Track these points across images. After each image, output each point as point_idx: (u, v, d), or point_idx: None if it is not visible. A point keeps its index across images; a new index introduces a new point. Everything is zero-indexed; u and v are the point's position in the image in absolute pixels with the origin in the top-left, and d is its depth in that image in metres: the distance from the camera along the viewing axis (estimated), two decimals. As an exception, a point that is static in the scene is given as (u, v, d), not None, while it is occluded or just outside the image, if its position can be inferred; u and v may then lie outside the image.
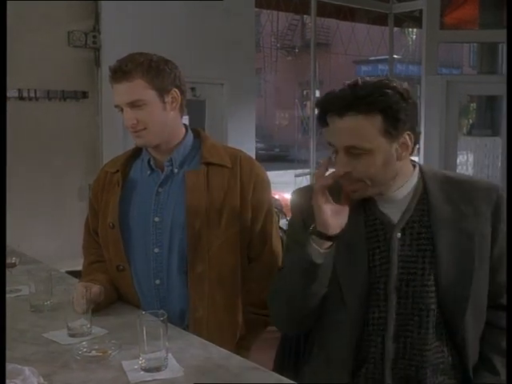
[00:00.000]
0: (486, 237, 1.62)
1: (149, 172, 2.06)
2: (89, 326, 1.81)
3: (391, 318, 1.61)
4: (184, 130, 2.09)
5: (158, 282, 2.01)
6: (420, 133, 1.64)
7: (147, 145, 2.03)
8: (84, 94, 4.42)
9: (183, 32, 4.82)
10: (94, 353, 1.65)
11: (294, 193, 1.86)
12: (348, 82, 1.57)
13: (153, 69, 1.94)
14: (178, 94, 2.00)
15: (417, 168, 1.68)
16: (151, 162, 2.06)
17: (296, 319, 1.73)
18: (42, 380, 1.46)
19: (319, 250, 1.58)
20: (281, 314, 1.76)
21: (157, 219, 2.01)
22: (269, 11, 13.69)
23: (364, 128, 1.52)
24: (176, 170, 2.04)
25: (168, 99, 1.97)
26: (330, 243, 1.59)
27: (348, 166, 1.55)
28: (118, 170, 2.09)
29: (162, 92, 1.95)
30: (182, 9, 4.76)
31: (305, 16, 13.97)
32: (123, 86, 1.93)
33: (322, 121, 1.58)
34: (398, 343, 1.62)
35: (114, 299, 2.06)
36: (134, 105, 1.93)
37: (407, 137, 1.57)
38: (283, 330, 1.87)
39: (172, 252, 2.00)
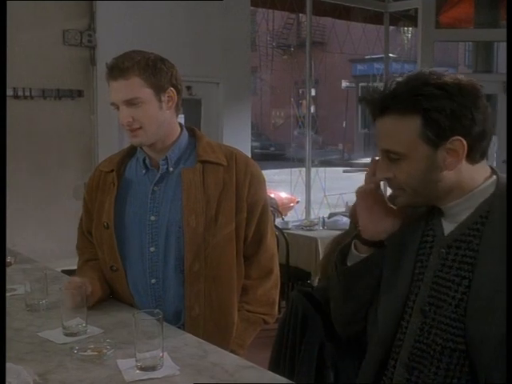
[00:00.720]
0: None
1: (144, 171, 2.06)
2: (84, 325, 1.81)
3: (408, 343, 1.42)
4: (179, 128, 2.09)
5: (153, 281, 2.01)
6: (483, 137, 1.36)
7: (143, 144, 2.02)
8: (79, 93, 4.42)
9: (179, 31, 4.82)
10: (89, 352, 1.65)
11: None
12: (399, 76, 1.40)
13: (150, 67, 1.93)
14: (175, 93, 1.99)
15: (492, 179, 1.40)
16: (146, 161, 2.06)
17: (341, 320, 1.66)
18: (37, 379, 1.46)
19: (355, 253, 1.53)
20: (331, 312, 1.69)
21: (153, 218, 2.01)
22: (264, 10, 13.67)
23: (400, 131, 1.35)
24: (171, 169, 2.03)
25: (164, 98, 1.97)
26: (368, 248, 1.51)
27: (387, 172, 1.41)
28: (112, 170, 2.09)
29: (158, 91, 1.95)
30: (177, 8, 4.75)
31: (300, 15, 13.95)
32: (119, 83, 1.93)
33: (372, 118, 1.43)
34: (409, 375, 1.41)
35: (106, 296, 2.06)
36: (130, 103, 1.93)
37: (456, 143, 1.32)
38: (336, 328, 1.73)
39: (168, 251, 2.00)
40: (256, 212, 2.07)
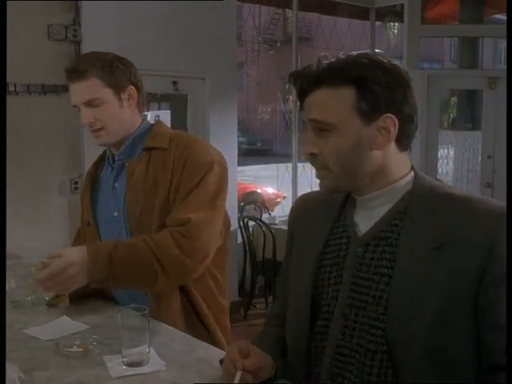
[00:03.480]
0: (467, 274, 1.22)
1: (110, 168, 2.10)
2: (71, 321, 1.81)
3: (331, 349, 1.35)
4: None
5: None
6: (412, 121, 1.33)
7: (106, 144, 2.05)
8: (64, 88, 4.36)
9: (164, 26, 4.80)
10: (75, 348, 1.65)
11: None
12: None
13: (107, 67, 1.96)
14: (135, 90, 2.02)
15: (411, 175, 1.37)
16: (110, 158, 2.09)
17: None
18: (22, 376, 1.45)
19: None
20: None
21: (116, 214, 2.03)
22: (250, 5, 13.65)
23: (333, 101, 1.29)
24: (127, 164, 2.03)
25: (124, 96, 1.99)
26: None
27: (313, 146, 1.33)
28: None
29: (117, 89, 1.97)
30: (163, 4, 4.73)
31: (287, 10, 13.93)
32: (79, 85, 1.96)
33: (301, 97, 1.36)
34: (332, 381, 1.34)
35: None
36: (90, 104, 1.95)
37: (388, 120, 1.28)
38: None
39: None
40: (182, 195, 1.91)
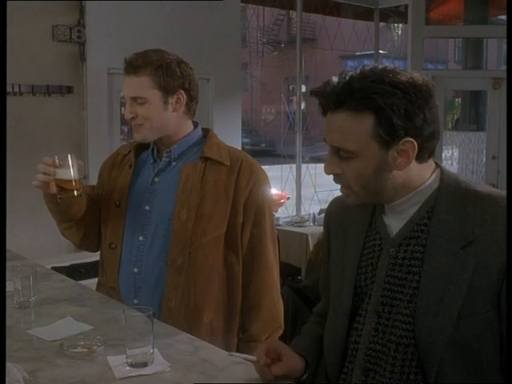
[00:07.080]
0: (491, 271, 1.27)
1: (152, 160, 2.11)
2: (76, 322, 1.81)
3: (364, 345, 1.40)
4: (190, 128, 2.11)
5: (136, 270, 2.03)
6: (433, 137, 1.34)
7: (144, 140, 2.07)
8: (69, 89, 4.39)
9: (169, 27, 4.80)
10: (79, 349, 1.65)
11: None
12: (352, 71, 1.34)
13: (162, 68, 1.98)
14: (184, 96, 2.03)
15: (436, 173, 1.40)
16: (154, 152, 2.10)
17: None
18: (27, 376, 1.45)
19: None
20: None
21: (147, 208, 2.04)
22: (255, 6, 13.65)
23: (352, 128, 1.31)
24: (174, 163, 2.07)
25: (172, 100, 2.01)
26: None
27: (336, 168, 1.37)
28: (130, 151, 2.14)
29: (166, 92, 1.99)
30: (167, 4, 4.74)
31: (291, 11, 13.93)
32: (131, 79, 2.00)
33: (323, 111, 1.38)
34: (365, 376, 1.39)
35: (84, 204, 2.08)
36: (135, 100, 1.99)
37: (407, 144, 1.30)
38: None
39: (154, 242, 2.02)
40: (250, 217, 2.04)
